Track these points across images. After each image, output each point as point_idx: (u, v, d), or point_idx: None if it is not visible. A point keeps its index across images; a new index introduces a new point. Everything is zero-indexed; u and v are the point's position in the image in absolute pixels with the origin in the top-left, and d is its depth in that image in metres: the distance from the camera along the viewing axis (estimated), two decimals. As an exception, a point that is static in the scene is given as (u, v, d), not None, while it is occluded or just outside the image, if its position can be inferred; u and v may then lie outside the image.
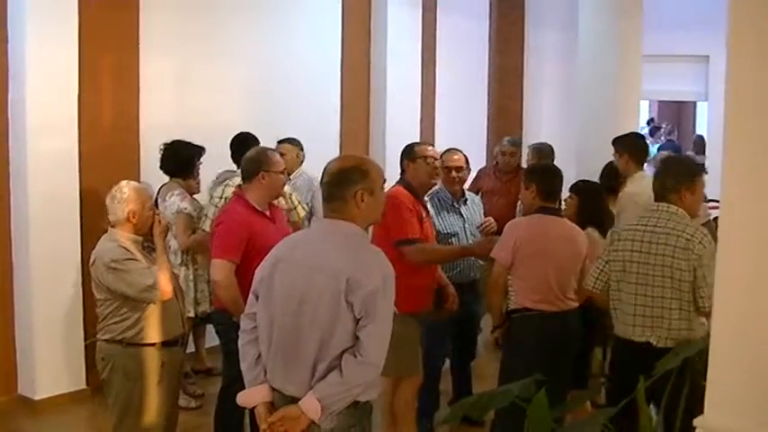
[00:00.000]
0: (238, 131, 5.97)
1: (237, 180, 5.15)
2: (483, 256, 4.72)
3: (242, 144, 5.59)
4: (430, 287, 4.60)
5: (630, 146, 5.75)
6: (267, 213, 4.32)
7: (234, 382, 3.68)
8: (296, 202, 5.60)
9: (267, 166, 4.32)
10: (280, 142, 6.18)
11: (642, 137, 6.01)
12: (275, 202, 4.58)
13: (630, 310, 3.75)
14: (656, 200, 3.82)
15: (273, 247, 3.12)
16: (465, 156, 5.42)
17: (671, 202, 3.74)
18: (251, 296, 3.08)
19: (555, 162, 6.75)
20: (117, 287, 3.89)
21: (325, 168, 3.03)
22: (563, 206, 5.02)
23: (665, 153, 5.48)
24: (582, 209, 4.85)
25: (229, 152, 5.86)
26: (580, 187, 5.02)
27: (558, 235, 4.42)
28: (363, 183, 2.92)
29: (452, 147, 5.46)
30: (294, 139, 6.37)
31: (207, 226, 5.13)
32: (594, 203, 4.89)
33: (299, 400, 2.84)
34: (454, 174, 5.19)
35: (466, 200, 5.37)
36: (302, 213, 5.63)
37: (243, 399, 3.06)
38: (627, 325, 3.77)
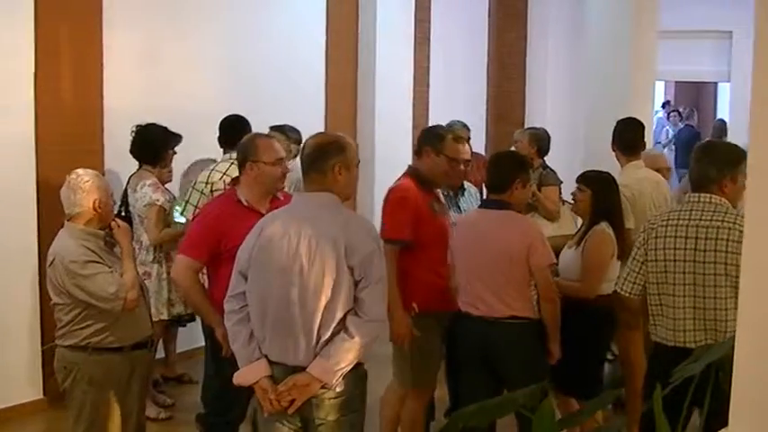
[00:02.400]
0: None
1: (224, 165, 5.25)
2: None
3: (231, 128, 5.58)
4: (447, 287, 4.55)
5: (616, 136, 5.68)
6: (263, 210, 3.96)
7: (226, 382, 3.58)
8: None
9: (254, 155, 4.07)
10: (271, 129, 5.85)
11: (629, 122, 5.81)
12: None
13: (680, 315, 3.69)
14: (693, 190, 3.79)
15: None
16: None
17: (712, 193, 3.72)
18: (237, 276, 3.37)
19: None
20: (76, 294, 3.84)
21: (304, 144, 3.47)
22: (571, 200, 4.98)
23: (704, 141, 5.25)
24: (596, 202, 4.77)
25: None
26: (593, 178, 4.89)
27: (490, 230, 4.34)
28: (341, 157, 3.33)
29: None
30: (287, 128, 6.10)
31: (190, 213, 5.13)
32: (610, 195, 4.82)
33: (303, 369, 3.20)
34: (463, 167, 4.98)
35: (464, 191, 5.41)
36: None
37: (241, 378, 3.33)
38: (677, 330, 3.70)
